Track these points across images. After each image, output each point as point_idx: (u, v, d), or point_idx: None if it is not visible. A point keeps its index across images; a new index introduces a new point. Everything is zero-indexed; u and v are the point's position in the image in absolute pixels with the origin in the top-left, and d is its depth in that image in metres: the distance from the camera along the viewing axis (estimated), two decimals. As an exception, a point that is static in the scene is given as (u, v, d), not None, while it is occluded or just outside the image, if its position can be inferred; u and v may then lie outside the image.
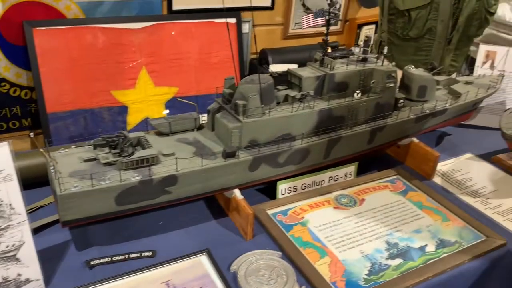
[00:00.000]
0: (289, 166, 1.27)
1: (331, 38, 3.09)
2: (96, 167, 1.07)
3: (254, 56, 3.42)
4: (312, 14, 1.28)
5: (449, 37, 2.12)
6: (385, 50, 1.38)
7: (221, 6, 2.98)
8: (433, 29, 2.10)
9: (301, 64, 3.16)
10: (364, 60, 1.36)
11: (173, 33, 2.99)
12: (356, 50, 3.32)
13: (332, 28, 3.74)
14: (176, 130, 1.25)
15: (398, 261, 1.12)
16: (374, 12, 3.47)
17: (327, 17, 1.30)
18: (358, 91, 1.32)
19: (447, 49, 2.15)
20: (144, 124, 2.77)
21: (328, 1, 1.36)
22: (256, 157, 1.19)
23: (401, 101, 1.44)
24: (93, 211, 1.05)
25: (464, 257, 1.14)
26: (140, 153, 1.08)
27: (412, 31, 2.12)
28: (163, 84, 3.00)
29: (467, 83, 1.66)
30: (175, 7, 2.89)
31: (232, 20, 3.05)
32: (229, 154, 1.15)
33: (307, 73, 1.29)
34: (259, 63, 3.29)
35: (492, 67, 1.78)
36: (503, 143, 1.50)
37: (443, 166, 1.55)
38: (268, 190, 1.30)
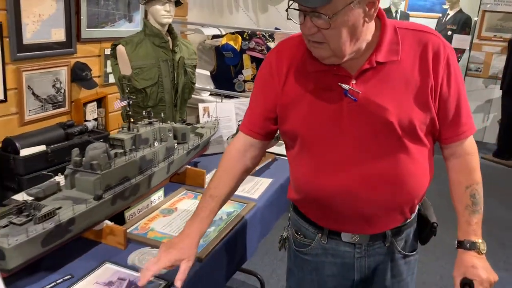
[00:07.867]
0: (131, 197, 1.92)
1: (62, 119, 3.98)
2: (14, 228, 1.46)
3: (-3, 146, 3.62)
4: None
5: (174, 102, 3.13)
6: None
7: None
8: (163, 98, 3.06)
9: (51, 142, 3.65)
10: (151, 123, 2.14)
11: None
12: (89, 124, 4.07)
13: (62, 109, 4.36)
14: (47, 194, 1.70)
15: (212, 228, 1.95)
16: (93, 92, 4.28)
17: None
18: (156, 142, 2.09)
19: (175, 111, 3.16)
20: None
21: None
22: (114, 195, 1.79)
23: (175, 145, 2.29)
24: (28, 255, 1.44)
25: (242, 214, 2.08)
26: (46, 209, 1.53)
27: (149, 102, 3.02)
28: None
29: (202, 127, 2.66)
30: None
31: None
32: (99, 197, 1.71)
33: (124, 136, 1.97)
34: (6, 151, 3.52)
35: (209, 115, 2.86)
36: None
37: (207, 178, 2.48)
38: (117, 219, 1.89)
